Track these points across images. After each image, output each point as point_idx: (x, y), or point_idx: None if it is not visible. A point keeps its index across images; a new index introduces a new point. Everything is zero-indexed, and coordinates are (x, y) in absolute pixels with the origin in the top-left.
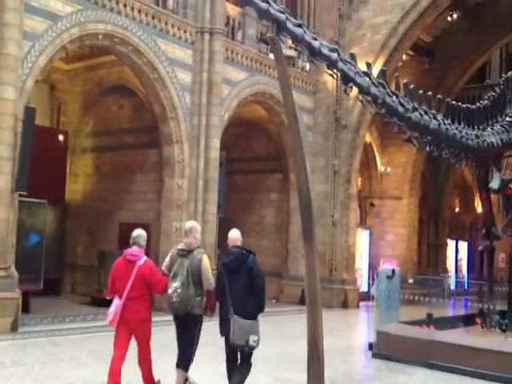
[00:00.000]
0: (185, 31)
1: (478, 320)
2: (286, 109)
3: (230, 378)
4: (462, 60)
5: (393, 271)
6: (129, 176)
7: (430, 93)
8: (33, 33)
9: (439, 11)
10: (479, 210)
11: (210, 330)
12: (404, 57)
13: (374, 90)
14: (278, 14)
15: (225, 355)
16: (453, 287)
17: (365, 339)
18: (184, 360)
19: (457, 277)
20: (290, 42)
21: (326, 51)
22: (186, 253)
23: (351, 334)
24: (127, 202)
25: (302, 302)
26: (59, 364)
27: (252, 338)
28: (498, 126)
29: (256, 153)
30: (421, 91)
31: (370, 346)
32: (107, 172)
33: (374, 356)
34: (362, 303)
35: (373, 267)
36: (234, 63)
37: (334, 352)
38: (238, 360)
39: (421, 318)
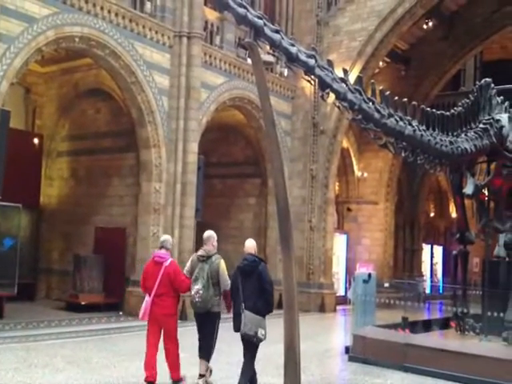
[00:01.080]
0: (163, 35)
1: (452, 323)
2: (263, 114)
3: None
4: (438, 67)
5: (369, 275)
6: (105, 180)
7: (406, 99)
8: (8, 35)
9: (415, 19)
10: (454, 215)
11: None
12: (380, 64)
13: (350, 96)
14: (255, 19)
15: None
16: (428, 291)
17: (341, 343)
18: (206, 351)
19: (432, 281)
20: (267, 47)
21: (303, 57)
22: (205, 258)
23: (328, 337)
24: (103, 206)
25: (279, 306)
26: (33, 370)
27: (260, 331)
28: (472, 133)
29: (234, 157)
30: (396, 98)
31: (347, 350)
32: (83, 176)
33: (351, 359)
34: (338, 307)
35: (350, 271)
36: (213, 68)
37: (311, 356)
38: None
39: (396, 322)
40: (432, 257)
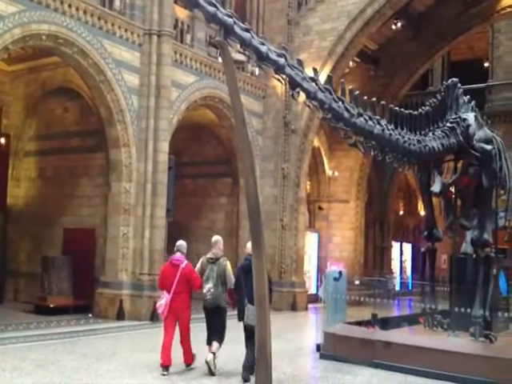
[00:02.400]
0: (132, 33)
1: (421, 319)
2: (234, 113)
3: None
4: (406, 67)
5: (340, 273)
6: (74, 180)
7: (375, 99)
8: None
9: (384, 20)
10: (422, 212)
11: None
12: (350, 63)
13: (320, 95)
14: (225, 18)
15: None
16: (397, 288)
17: (313, 341)
18: (218, 338)
19: (401, 278)
20: (238, 46)
21: (273, 56)
22: (214, 260)
23: (299, 336)
24: (72, 206)
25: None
26: (1, 373)
27: None
28: (439, 132)
29: (206, 157)
30: (366, 97)
31: (318, 348)
32: (51, 176)
33: (322, 357)
34: (310, 305)
35: (321, 269)
36: (183, 66)
37: (282, 354)
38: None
39: (367, 319)
40: (401, 254)
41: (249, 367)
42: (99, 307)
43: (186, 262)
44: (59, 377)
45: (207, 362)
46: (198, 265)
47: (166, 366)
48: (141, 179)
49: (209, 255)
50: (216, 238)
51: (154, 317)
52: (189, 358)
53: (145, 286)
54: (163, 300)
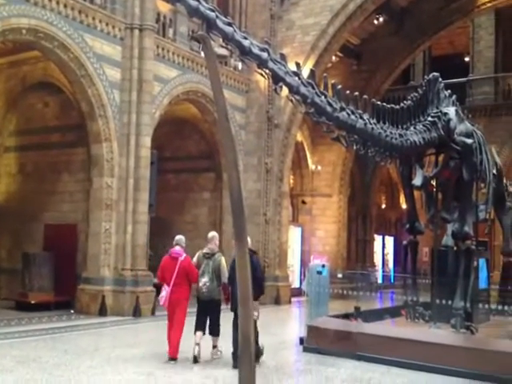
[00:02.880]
0: (113, 27)
1: (403, 312)
2: (217, 107)
3: (235, 340)
4: (388, 62)
5: (323, 267)
6: (55, 176)
7: (357, 93)
8: None
9: (366, 14)
10: (404, 206)
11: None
12: (333, 58)
13: (303, 89)
14: (207, 11)
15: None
16: (380, 281)
17: (296, 334)
18: (215, 330)
19: (383, 271)
20: (221, 40)
21: (256, 50)
22: (210, 255)
23: (283, 329)
24: (53, 202)
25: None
26: None
27: (254, 313)
28: (421, 126)
29: (189, 151)
30: (348, 92)
31: (301, 341)
32: (32, 172)
33: (305, 350)
34: (293, 299)
35: (304, 263)
36: (165, 60)
37: (266, 348)
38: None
39: (349, 312)
40: (383, 247)
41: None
42: (81, 303)
43: (184, 255)
44: (40, 373)
45: (194, 356)
46: (195, 259)
47: (173, 358)
48: (123, 174)
49: (205, 250)
50: (212, 233)
51: (136, 312)
52: (174, 352)
53: (127, 281)
54: (164, 292)
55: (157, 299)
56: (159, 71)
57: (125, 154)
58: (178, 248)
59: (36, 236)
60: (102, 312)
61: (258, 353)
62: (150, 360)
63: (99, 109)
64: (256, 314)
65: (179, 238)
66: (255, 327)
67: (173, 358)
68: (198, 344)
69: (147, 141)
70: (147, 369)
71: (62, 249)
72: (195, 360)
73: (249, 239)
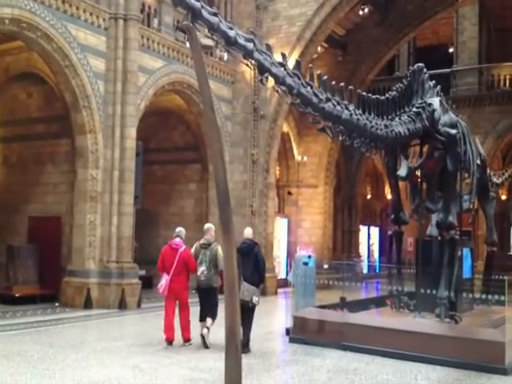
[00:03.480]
0: (97, 17)
1: (388, 301)
2: (202, 98)
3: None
4: (373, 53)
5: (309, 257)
6: (39, 167)
7: (343, 84)
8: None
9: (351, 5)
10: (389, 196)
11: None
12: (319, 49)
13: (289, 80)
14: (192, 1)
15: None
16: (365, 271)
17: (282, 325)
18: (211, 316)
19: (369, 261)
20: (206, 30)
21: (241, 41)
22: (206, 246)
23: (269, 320)
24: (37, 194)
25: (221, 291)
26: None
27: (254, 298)
28: (406, 117)
29: (174, 143)
30: (334, 82)
31: (287, 332)
32: (15, 163)
33: (291, 341)
34: (280, 290)
35: (290, 254)
36: (150, 51)
37: (252, 339)
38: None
39: (335, 302)
40: (369, 238)
41: (244, 343)
42: (66, 296)
43: (184, 246)
44: (25, 367)
45: (202, 335)
46: (192, 250)
47: (169, 341)
48: (108, 166)
49: (202, 241)
50: (208, 225)
51: (122, 305)
52: (187, 335)
53: (113, 273)
54: (163, 280)
55: (143, 291)
56: (144, 62)
57: (110, 146)
58: (178, 239)
59: (20, 228)
60: (88, 305)
61: (248, 340)
62: (136, 353)
63: (83, 100)
64: (257, 298)
65: (179, 229)
66: (253, 312)
67: (170, 340)
68: (207, 328)
69: (132, 132)
70: (133, 361)
71: (47, 241)
72: (205, 345)
73: (250, 231)
